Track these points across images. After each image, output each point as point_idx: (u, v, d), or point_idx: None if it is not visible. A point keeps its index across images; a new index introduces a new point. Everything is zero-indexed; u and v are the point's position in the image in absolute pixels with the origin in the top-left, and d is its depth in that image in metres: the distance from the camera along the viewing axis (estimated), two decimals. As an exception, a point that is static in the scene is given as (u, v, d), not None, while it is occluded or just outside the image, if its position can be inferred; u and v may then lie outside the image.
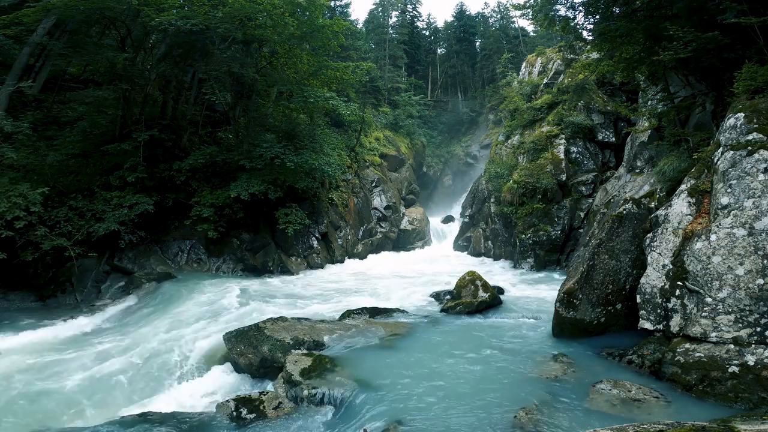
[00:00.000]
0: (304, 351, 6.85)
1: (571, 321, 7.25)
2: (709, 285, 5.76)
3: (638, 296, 6.56)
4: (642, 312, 6.46)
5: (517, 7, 12.26)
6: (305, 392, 5.69)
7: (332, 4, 33.98)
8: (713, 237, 5.87)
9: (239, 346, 7.12)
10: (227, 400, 5.72)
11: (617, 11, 9.86)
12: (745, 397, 5.00)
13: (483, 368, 6.29)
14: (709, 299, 5.72)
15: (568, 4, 11.27)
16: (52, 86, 14.95)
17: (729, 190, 5.92)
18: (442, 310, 9.80)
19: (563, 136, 17.46)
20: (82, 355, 7.80)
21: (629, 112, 13.71)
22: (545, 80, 22.25)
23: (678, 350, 5.73)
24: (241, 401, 5.64)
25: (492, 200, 19.91)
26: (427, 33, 52.47)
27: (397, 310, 9.54)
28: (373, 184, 23.94)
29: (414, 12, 48.33)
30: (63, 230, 11.50)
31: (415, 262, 18.94)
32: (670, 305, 6.11)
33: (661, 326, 6.21)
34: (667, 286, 6.21)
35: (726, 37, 7.56)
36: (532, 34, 42.68)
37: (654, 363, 5.97)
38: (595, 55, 13.20)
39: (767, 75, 6.53)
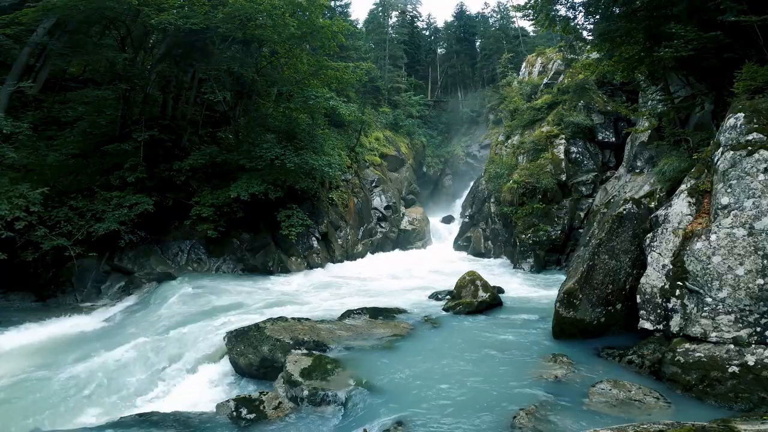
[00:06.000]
0: (304, 351, 6.84)
1: (571, 321, 7.24)
2: (709, 285, 5.75)
3: (638, 296, 6.55)
4: (642, 312, 6.45)
5: (517, 8, 12.39)
6: (305, 392, 5.69)
7: (332, 4, 33.91)
8: (713, 237, 5.86)
9: (239, 346, 7.12)
10: (227, 400, 5.72)
11: (617, 11, 9.85)
12: (745, 397, 5.00)
13: (483, 368, 6.28)
14: (709, 299, 5.72)
15: (568, 4, 11.27)
16: (52, 86, 14.95)
17: (729, 190, 5.91)
18: (442, 310, 9.79)
19: (563, 136, 17.45)
20: (82, 355, 7.81)
21: (629, 112, 13.71)
22: (545, 80, 22.24)
23: (678, 350, 5.73)
24: (241, 401, 5.64)
25: (492, 200, 19.92)
26: (427, 33, 52.44)
27: (397, 310, 9.54)
28: (373, 184, 23.93)
29: (414, 12, 48.31)
30: (63, 230, 11.50)
31: (415, 262, 18.92)
32: (670, 305, 6.11)
33: (661, 326, 6.20)
34: (667, 286, 6.20)
35: (726, 37, 7.56)
36: (532, 34, 42.63)
37: (654, 363, 5.96)
38: (595, 55, 13.20)
39: (767, 75, 6.53)
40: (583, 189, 16.63)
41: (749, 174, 5.78)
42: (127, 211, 12.37)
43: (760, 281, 5.39)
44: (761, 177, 5.68)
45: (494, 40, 42.63)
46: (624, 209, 7.72)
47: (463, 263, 17.91)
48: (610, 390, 5.38)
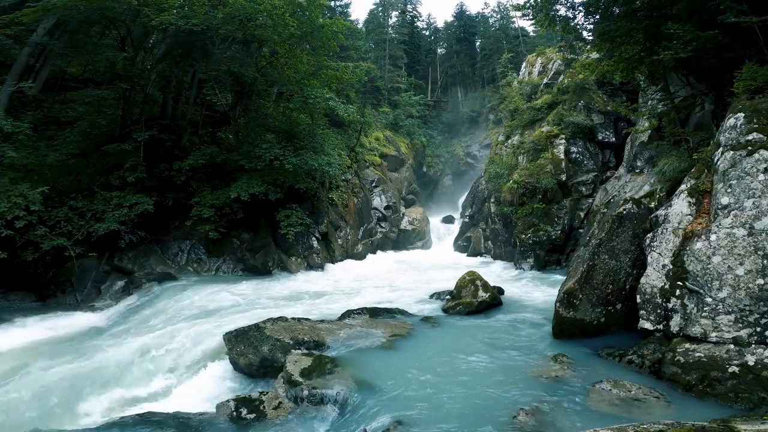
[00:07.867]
0: (304, 351, 6.85)
1: (571, 321, 7.25)
2: (709, 285, 5.76)
3: (638, 296, 6.55)
4: (642, 312, 6.46)
5: (517, 8, 12.25)
6: (305, 392, 5.69)
7: (332, 4, 33.93)
8: (713, 237, 5.87)
9: (239, 346, 7.12)
10: (227, 400, 5.72)
11: (617, 11, 9.85)
12: (745, 397, 5.00)
13: (483, 368, 6.29)
14: (709, 299, 5.72)
15: (568, 4, 11.27)
16: (52, 86, 14.95)
17: (729, 190, 5.92)
18: (442, 310, 9.80)
19: (563, 136, 17.45)
20: (81, 354, 7.80)
21: (629, 112, 13.72)
22: (545, 80, 22.24)
23: (678, 350, 5.73)
24: (241, 401, 5.64)
25: (492, 200, 19.91)
26: (427, 33, 52.46)
27: (397, 310, 9.54)
28: (373, 184, 23.93)
29: (414, 12, 48.30)
30: (63, 230, 11.49)
31: (415, 262, 18.93)
32: (670, 305, 6.11)
33: (661, 326, 6.21)
34: (667, 286, 6.20)
35: (726, 37, 7.56)
36: (532, 34, 42.64)
37: (654, 363, 5.97)
38: (595, 55, 13.19)
39: (767, 75, 6.53)
40: (583, 189, 16.63)
41: (749, 174, 5.78)
42: (127, 211, 12.36)
43: (760, 281, 5.39)
44: (761, 177, 5.69)
45: (494, 40, 42.64)
46: (624, 209, 7.72)
47: (463, 263, 17.91)
48: (610, 390, 5.39)
